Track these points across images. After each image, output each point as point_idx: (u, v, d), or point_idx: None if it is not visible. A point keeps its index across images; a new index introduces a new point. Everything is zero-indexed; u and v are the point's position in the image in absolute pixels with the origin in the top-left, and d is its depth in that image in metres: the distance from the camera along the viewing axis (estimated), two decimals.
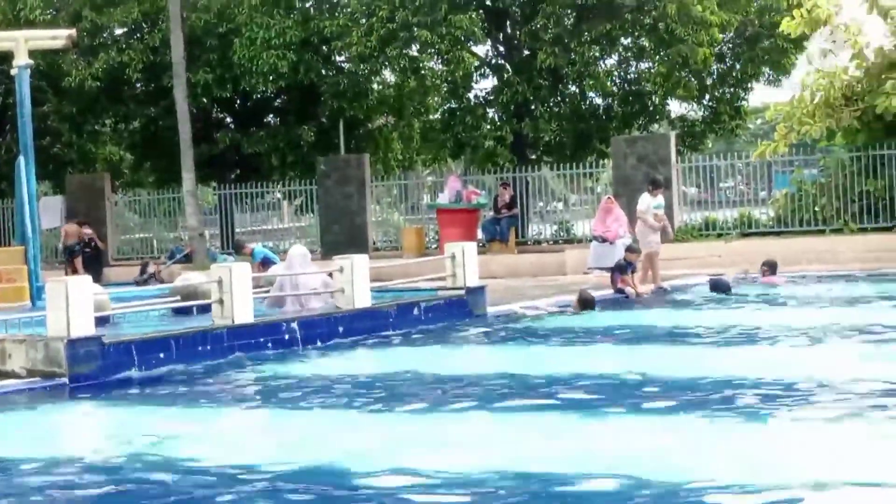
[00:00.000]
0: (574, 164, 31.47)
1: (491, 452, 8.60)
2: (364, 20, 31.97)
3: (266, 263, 23.16)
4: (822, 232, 27.55)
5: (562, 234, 32.65)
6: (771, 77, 34.24)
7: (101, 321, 14.55)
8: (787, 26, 27.54)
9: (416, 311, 17.54)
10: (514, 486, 7.49)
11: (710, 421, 9.49)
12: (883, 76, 26.55)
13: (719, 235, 28.86)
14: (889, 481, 7.17)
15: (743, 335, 15.03)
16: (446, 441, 9.18)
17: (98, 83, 34.39)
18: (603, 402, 10.53)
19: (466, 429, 9.65)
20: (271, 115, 38.40)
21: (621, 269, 21.21)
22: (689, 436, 9.01)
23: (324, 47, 34.82)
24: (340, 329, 16.11)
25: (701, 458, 8.15)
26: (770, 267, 22.56)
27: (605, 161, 32.73)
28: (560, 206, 35.11)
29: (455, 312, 18.09)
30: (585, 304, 18.80)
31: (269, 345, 15.05)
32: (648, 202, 22.73)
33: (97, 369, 13.04)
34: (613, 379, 11.66)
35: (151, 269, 28.01)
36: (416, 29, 31.02)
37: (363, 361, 14.67)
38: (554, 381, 11.85)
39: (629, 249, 21.75)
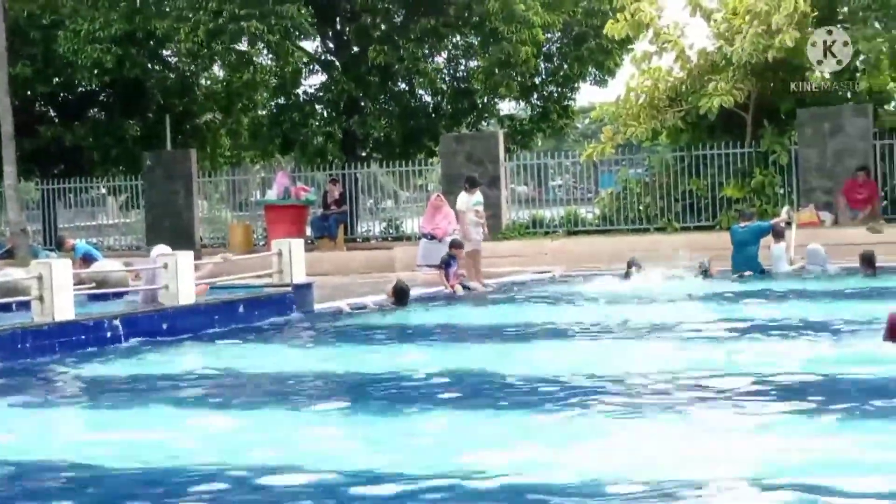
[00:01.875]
0: (404, 161, 31.52)
1: (305, 451, 8.54)
2: (191, 15, 31.41)
3: (88, 259, 22.70)
4: (646, 230, 28.02)
5: (391, 231, 32.67)
6: (597, 77, 34.70)
7: None
8: (612, 29, 27.93)
9: (241, 309, 17.37)
10: (331, 485, 7.45)
11: (526, 415, 9.57)
12: (706, 77, 27.15)
13: (546, 233, 29.16)
14: (707, 477, 7.25)
15: (556, 331, 15.32)
16: (263, 440, 9.08)
17: None
18: (421, 399, 10.55)
19: (280, 428, 9.57)
20: (96, 109, 37.78)
21: (445, 264, 21.38)
22: (508, 431, 9.07)
23: (150, 42, 34.32)
24: (164, 326, 15.86)
25: (517, 453, 8.20)
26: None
27: (435, 159, 32.83)
28: (390, 203, 35.15)
29: (281, 309, 17.96)
30: (400, 293, 18.89)
31: (91, 342, 14.75)
32: (467, 200, 22.94)
33: None
34: (431, 376, 11.68)
35: None
36: (243, 22, 30.61)
37: (185, 359, 14.45)
38: (372, 378, 11.87)
39: (452, 244, 21.90)
